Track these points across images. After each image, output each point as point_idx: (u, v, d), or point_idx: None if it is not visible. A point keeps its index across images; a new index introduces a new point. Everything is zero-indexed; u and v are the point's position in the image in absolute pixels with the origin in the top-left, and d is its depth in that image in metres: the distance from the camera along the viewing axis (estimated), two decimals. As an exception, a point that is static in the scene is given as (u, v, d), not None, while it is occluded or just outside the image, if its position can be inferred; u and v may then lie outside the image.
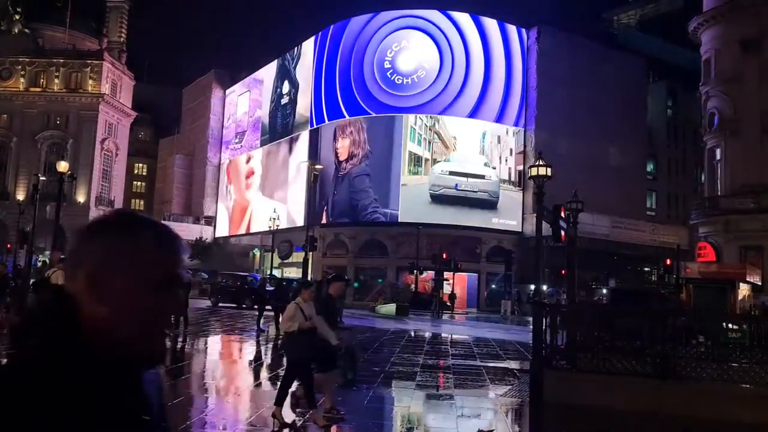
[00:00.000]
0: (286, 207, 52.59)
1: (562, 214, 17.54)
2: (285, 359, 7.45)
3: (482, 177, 45.61)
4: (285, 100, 56.66)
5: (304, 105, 53.05)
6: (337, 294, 7.66)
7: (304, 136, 52.35)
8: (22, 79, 56.11)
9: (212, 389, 10.02)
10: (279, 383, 7.36)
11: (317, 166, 36.34)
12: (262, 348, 15.26)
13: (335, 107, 48.66)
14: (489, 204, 45.20)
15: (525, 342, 17.34)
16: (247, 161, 62.03)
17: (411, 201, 44.26)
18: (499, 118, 46.20)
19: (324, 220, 47.19)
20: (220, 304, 28.21)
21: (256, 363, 13.19)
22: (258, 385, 10.60)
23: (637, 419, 8.27)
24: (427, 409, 9.11)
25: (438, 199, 44.56)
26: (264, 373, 11.80)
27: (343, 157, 47.65)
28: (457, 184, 44.78)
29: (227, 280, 31.48)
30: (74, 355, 0.91)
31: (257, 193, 59.21)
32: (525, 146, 45.94)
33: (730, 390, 8.57)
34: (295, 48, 55.50)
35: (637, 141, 53.12)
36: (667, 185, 63.32)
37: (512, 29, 47.32)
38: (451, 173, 45.22)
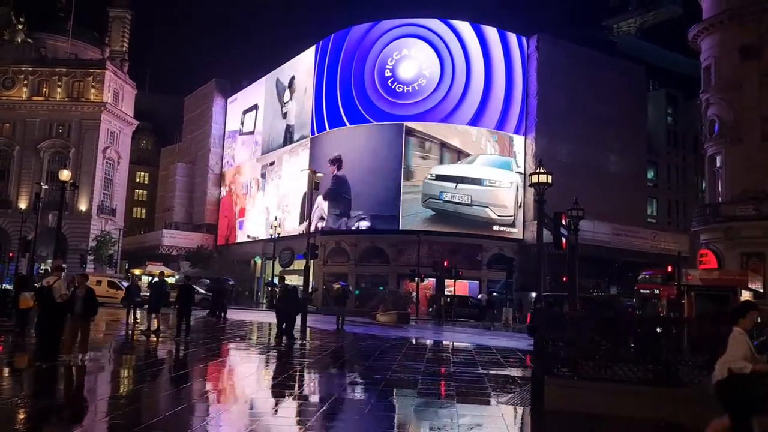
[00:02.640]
0: (288, 214, 52.66)
1: (563, 222, 17.59)
2: (728, 410, 5.82)
3: (479, 182, 44.14)
4: (286, 108, 56.81)
5: (305, 113, 53.15)
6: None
7: (304, 144, 52.41)
8: (24, 88, 56.31)
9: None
10: None
11: (318, 174, 36.26)
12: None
13: (336, 115, 48.75)
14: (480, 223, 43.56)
15: (526, 350, 17.32)
16: (249, 169, 62.15)
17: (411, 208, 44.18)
18: (500, 126, 46.27)
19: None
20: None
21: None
22: None
23: (640, 427, 8.25)
24: (426, 417, 9.08)
25: (436, 213, 43.53)
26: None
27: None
28: (442, 193, 43.51)
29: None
30: None
31: (259, 200, 59.27)
32: (525, 153, 46.03)
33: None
34: (296, 57, 55.67)
35: (638, 148, 53.22)
36: (667, 192, 63.42)
37: (512, 37, 47.49)
38: (439, 177, 43.98)
